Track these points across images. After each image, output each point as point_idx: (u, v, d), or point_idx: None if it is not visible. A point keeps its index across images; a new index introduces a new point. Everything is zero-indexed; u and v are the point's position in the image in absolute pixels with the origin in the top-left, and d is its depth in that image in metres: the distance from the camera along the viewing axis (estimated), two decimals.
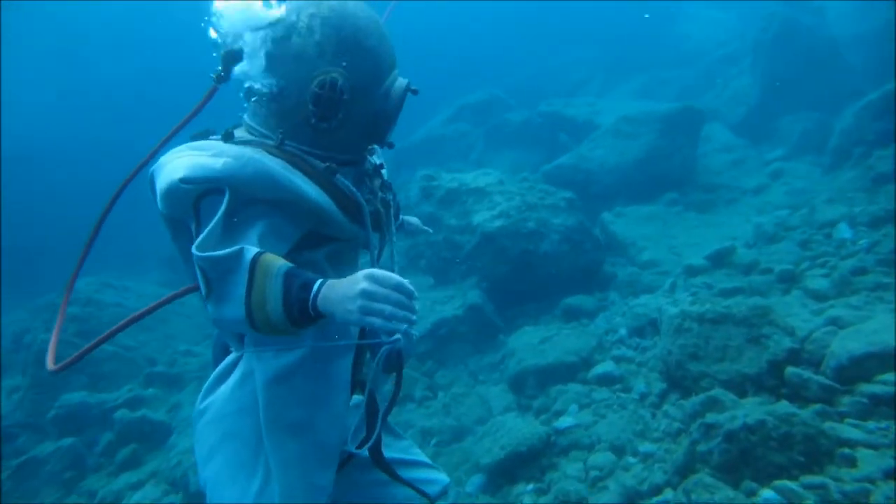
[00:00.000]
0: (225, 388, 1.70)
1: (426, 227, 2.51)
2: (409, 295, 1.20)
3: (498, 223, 6.15)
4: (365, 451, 1.73)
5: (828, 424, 3.35)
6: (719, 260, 6.20)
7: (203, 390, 1.78)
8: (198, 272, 1.33)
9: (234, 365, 1.73)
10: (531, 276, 6.14)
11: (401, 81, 1.65)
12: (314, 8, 1.55)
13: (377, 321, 1.18)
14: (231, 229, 1.40)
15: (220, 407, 1.70)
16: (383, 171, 1.83)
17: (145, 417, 5.98)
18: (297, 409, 1.63)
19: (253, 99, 1.58)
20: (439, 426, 4.76)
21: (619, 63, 15.58)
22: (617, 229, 7.38)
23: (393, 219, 1.83)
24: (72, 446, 5.92)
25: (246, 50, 1.54)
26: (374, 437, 1.72)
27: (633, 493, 3.52)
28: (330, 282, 1.24)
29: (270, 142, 1.58)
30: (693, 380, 4.11)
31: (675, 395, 4.19)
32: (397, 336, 1.55)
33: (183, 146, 1.51)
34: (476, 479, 4.15)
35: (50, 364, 1.46)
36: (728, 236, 6.76)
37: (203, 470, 1.72)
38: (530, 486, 3.93)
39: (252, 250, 1.28)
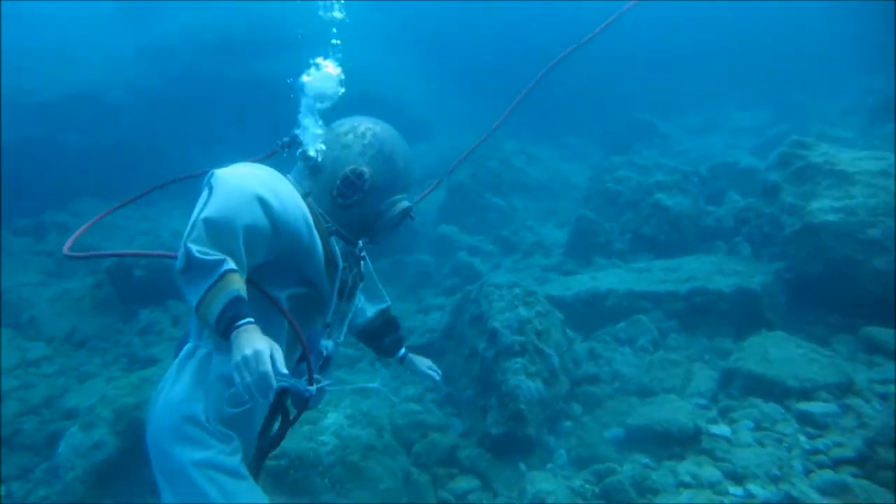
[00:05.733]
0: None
1: (431, 372, 2.66)
2: (265, 387, 1.49)
3: (831, 217, 5.28)
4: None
5: None
6: None
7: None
8: (183, 254, 1.66)
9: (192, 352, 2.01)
10: (845, 289, 5.22)
11: (405, 203, 2.13)
12: (373, 124, 2.14)
13: (238, 385, 1.49)
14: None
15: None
16: (363, 264, 2.30)
17: None
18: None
19: (307, 161, 2.06)
20: (630, 376, 4.96)
21: None
22: None
23: (353, 295, 2.24)
24: None
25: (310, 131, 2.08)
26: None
27: None
28: (250, 327, 1.56)
29: (299, 190, 2.00)
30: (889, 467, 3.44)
31: (850, 470, 3.58)
32: (312, 388, 1.81)
33: (244, 163, 1.94)
34: (617, 431, 4.45)
35: (66, 249, 1.79)
36: None
37: None
38: (645, 460, 4.09)
39: (229, 264, 1.64)
